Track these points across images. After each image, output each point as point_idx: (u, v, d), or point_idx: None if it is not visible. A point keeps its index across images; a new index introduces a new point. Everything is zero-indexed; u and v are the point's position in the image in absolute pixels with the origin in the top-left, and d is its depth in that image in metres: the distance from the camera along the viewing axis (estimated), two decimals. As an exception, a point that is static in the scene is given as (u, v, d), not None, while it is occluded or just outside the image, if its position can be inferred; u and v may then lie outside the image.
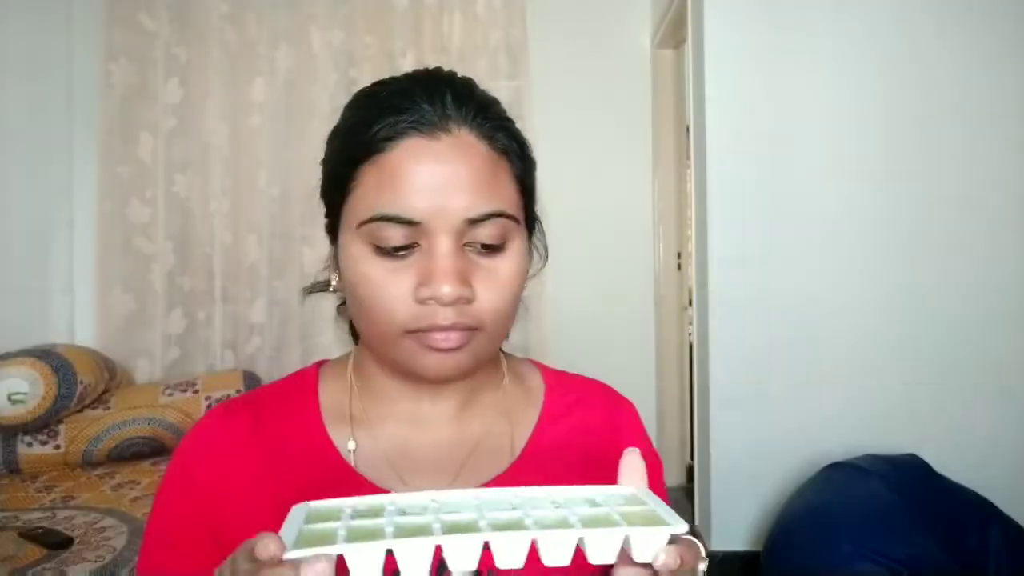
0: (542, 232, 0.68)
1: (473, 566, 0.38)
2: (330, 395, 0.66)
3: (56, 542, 1.51)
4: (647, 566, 0.40)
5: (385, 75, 0.68)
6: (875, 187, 2.19)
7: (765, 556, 2.00)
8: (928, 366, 2.18)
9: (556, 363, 0.79)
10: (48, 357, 2.03)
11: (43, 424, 2.04)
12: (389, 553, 0.37)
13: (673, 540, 0.40)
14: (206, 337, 2.68)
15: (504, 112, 0.62)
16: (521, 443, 0.65)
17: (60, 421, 2.08)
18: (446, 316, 0.54)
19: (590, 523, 0.40)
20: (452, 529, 0.38)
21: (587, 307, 2.89)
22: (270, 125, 2.67)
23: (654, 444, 0.72)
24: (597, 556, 0.39)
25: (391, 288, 0.54)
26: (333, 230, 0.61)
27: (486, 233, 0.55)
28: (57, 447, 2.07)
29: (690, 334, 2.68)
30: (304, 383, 0.67)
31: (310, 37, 2.68)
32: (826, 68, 2.20)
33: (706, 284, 2.23)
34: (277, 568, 0.36)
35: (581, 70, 2.94)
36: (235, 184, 2.67)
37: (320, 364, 0.69)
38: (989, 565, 1.76)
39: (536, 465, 0.64)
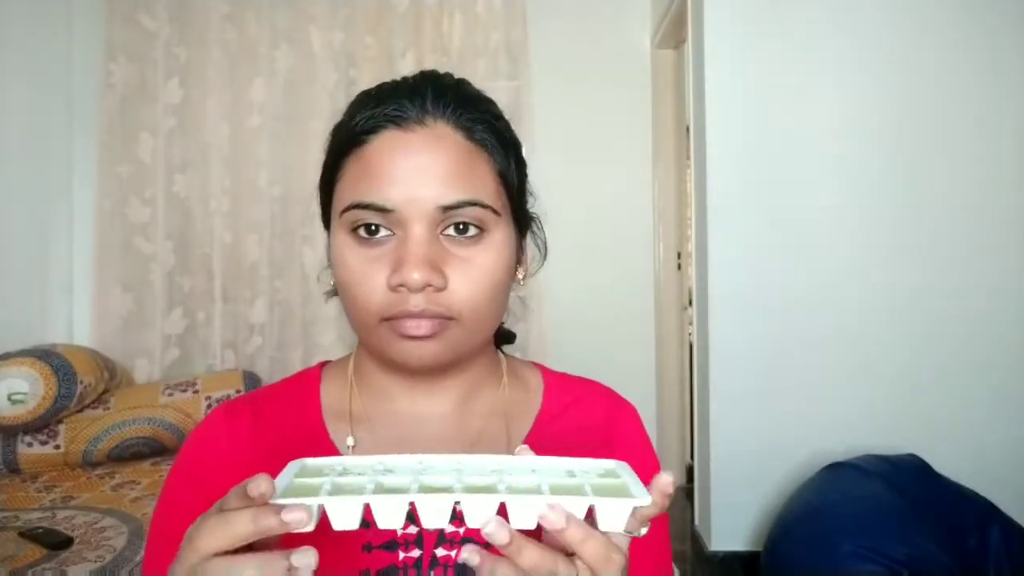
0: (541, 230, 0.69)
1: (444, 523, 0.40)
2: (331, 393, 0.67)
3: (56, 542, 1.51)
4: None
5: (385, 75, 0.69)
6: (875, 187, 2.19)
7: (765, 556, 2.00)
8: (928, 366, 2.18)
9: (555, 363, 0.79)
10: (48, 357, 2.03)
11: (43, 424, 2.04)
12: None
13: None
14: (206, 337, 2.68)
15: (495, 110, 0.62)
16: (518, 442, 0.66)
17: (60, 421, 2.08)
18: (416, 303, 0.55)
19: (559, 492, 0.41)
20: (427, 490, 0.41)
21: (587, 307, 2.89)
22: (270, 125, 2.67)
23: (654, 445, 0.72)
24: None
25: (368, 276, 0.56)
26: (328, 223, 0.63)
27: (461, 222, 0.56)
28: (57, 447, 2.07)
29: (690, 334, 2.68)
30: (306, 382, 0.68)
31: (310, 37, 2.68)
32: (826, 68, 2.20)
33: (706, 284, 2.23)
34: (263, 508, 0.38)
35: (581, 70, 2.94)
36: (235, 184, 2.67)
37: (323, 364, 0.71)
38: (989, 565, 1.76)
39: None
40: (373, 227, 0.56)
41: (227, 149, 2.66)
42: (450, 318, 0.56)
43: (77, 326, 2.67)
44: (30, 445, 2.06)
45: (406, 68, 2.60)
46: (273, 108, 2.67)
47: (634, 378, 2.92)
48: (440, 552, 0.59)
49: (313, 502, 0.38)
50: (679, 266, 3.06)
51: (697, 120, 2.34)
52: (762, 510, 2.19)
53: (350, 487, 0.41)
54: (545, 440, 0.66)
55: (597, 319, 2.91)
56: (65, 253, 2.68)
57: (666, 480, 0.42)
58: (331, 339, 2.69)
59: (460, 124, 0.58)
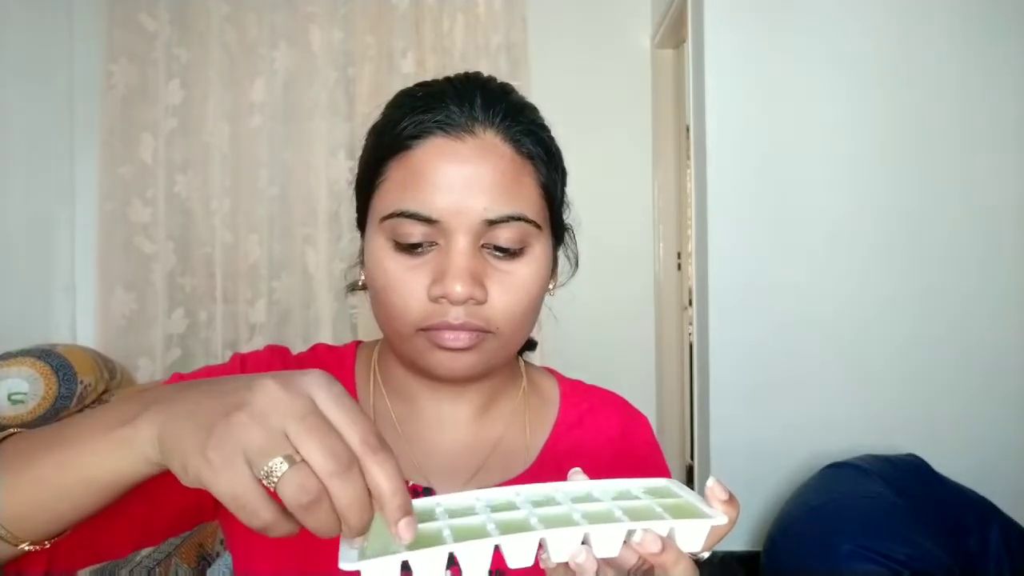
0: (574, 241, 0.69)
1: (530, 562, 0.39)
2: (358, 379, 0.67)
3: (56, 541, 1.51)
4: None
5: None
6: (874, 187, 2.19)
7: (765, 556, 1.99)
8: (928, 366, 2.18)
9: (554, 363, 0.79)
10: (48, 357, 2.03)
11: (43, 424, 2.04)
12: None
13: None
14: (207, 337, 2.69)
15: (539, 119, 0.62)
16: (536, 449, 0.66)
17: (60, 421, 2.08)
18: (456, 315, 0.54)
19: (633, 515, 0.41)
20: (506, 527, 0.39)
21: (587, 307, 2.87)
22: (270, 125, 2.67)
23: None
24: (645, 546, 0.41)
25: (407, 284, 0.55)
26: (362, 224, 0.62)
27: (504, 236, 0.55)
28: (58, 447, 2.07)
29: (690, 334, 2.68)
30: (344, 359, 0.68)
31: (310, 37, 2.68)
32: (826, 68, 2.20)
33: (706, 284, 2.23)
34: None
35: (581, 70, 2.93)
36: (235, 184, 2.68)
37: (357, 345, 0.70)
38: (989, 565, 1.76)
39: (550, 470, 0.64)
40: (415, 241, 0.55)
41: (227, 149, 2.67)
42: (487, 331, 0.56)
43: (80, 326, 2.68)
44: (31, 445, 2.06)
45: (406, 68, 2.59)
46: (273, 108, 2.67)
47: (634, 378, 2.91)
48: None
49: (395, 560, 0.36)
50: (679, 266, 3.06)
51: (697, 120, 2.33)
52: (762, 510, 2.19)
53: (427, 534, 0.38)
54: (561, 448, 0.66)
55: (597, 319, 2.91)
56: (67, 253, 2.68)
57: (720, 490, 0.42)
58: (329, 340, 2.69)
59: (509, 136, 0.57)
